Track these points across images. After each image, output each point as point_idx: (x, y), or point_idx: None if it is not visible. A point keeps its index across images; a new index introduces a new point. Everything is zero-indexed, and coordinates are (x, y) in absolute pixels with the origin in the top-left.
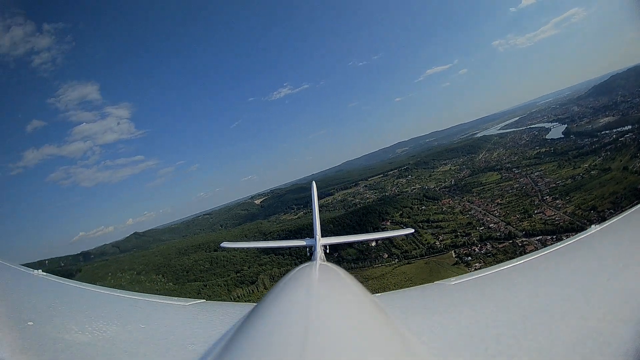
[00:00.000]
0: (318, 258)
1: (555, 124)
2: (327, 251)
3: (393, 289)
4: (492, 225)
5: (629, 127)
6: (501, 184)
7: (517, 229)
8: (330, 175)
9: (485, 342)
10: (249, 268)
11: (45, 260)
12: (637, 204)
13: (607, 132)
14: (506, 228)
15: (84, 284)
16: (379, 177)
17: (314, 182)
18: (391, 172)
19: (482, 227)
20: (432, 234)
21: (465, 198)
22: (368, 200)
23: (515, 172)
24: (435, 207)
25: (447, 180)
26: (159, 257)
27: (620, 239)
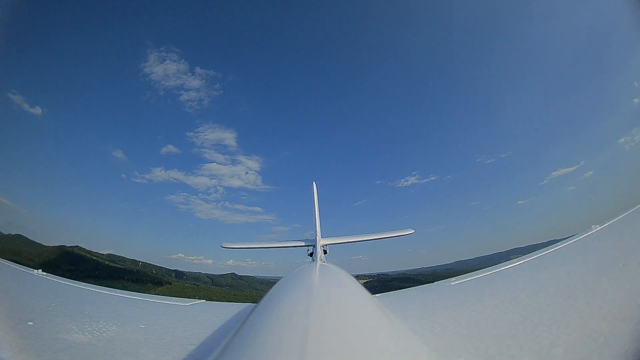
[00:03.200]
0: (318, 258)
1: None
2: (327, 252)
3: None
4: None
5: None
6: None
7: None
8: (439, 271)
9: (485, 342)
10: None
11: (139, 261)
12: (637, 204)
13: None
14: None
15: (83, 284)
16: None
17: (314, 183)
18: None
19: None
20: None
21: None
22: None
23: None
24: None
25: None
26: (249, 300)
27: (620, 239)
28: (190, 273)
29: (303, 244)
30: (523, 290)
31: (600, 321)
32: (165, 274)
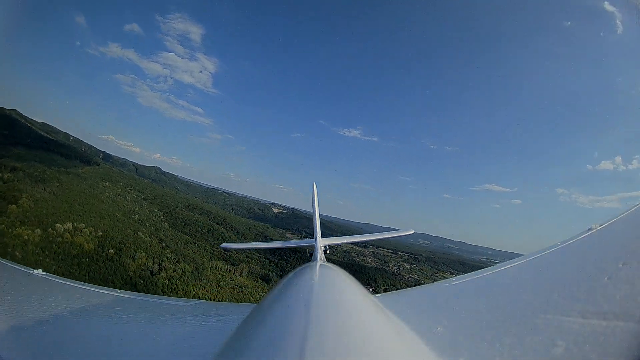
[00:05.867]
0: (318, 259)
1: None
2: (327, 252)
3: None
4: None
5: None
6: None
7: None
8: (349, 227)
9: (485, 342)
10: (236, 253)
11: (71, 136)
12: (637, 204)
13: None
14: None
15: (84, 283)
16: (389, 252)
17: (314, 184)
18: (402, 253)
19: None
20: None
21: None
22: (368, 264)
23: None
24: None
25: None
26: (169, 199)
27: (620, 239)
28: (118, 158)
29: (304, 244)
30: (523, 290)
31: (601, 321)
32: (94, 154)
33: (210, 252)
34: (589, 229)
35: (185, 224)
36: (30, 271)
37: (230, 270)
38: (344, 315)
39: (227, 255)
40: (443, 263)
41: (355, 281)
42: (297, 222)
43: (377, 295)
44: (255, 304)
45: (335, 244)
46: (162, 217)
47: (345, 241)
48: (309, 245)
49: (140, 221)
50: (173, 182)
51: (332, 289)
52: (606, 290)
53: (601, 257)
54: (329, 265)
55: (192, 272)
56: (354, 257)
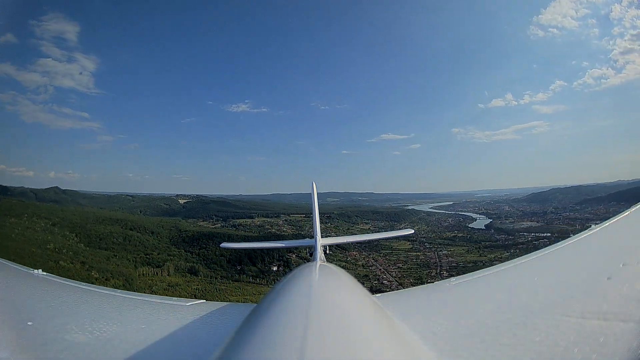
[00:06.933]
0: (318, 258)
1: (482, 216)
2: (327, 252)
3: None
4: (385, 282)
5: (548, 234)
6: (409, 253)
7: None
8: (255, 201)
9: (485, 342)
10: (158, 254)
11: None
12: (637, 204)
13: (525, 234)
14: (397, 288)
15: (83, 284)
16: (301, 216)
17: (313, 183)
18: None
19: (376, 282)
20: None
21: (371, 256)
22: (283, 232)
23: (427, 246)
24: (341, 255)
25: None
26: (77, 217)
27: (620, 239)
28: (14, 188)
29: (303, 244)
30: (523, 290)
31: (600, 321)
32: None
33: (133, 261)
34: (589, 229)
35: (100, 239)
36: (30, 271)
37: (157, 273)
38: (343, 315)
39: (149, 259)
40: (356, 216)
41: (355, 281)
42: (206, 208)
43: (377, 295)
44: (255, 304)
45: (335, 244)
46: (75, 238)
47: (346, 241)
48: (309, 245)
49: (57, 249)
50: (75, 198)
51: (332, 289)
52: (606, 290)
53: (601, 257)
54: (329, 265)
55: (123, 285)
56: (268, 229)
